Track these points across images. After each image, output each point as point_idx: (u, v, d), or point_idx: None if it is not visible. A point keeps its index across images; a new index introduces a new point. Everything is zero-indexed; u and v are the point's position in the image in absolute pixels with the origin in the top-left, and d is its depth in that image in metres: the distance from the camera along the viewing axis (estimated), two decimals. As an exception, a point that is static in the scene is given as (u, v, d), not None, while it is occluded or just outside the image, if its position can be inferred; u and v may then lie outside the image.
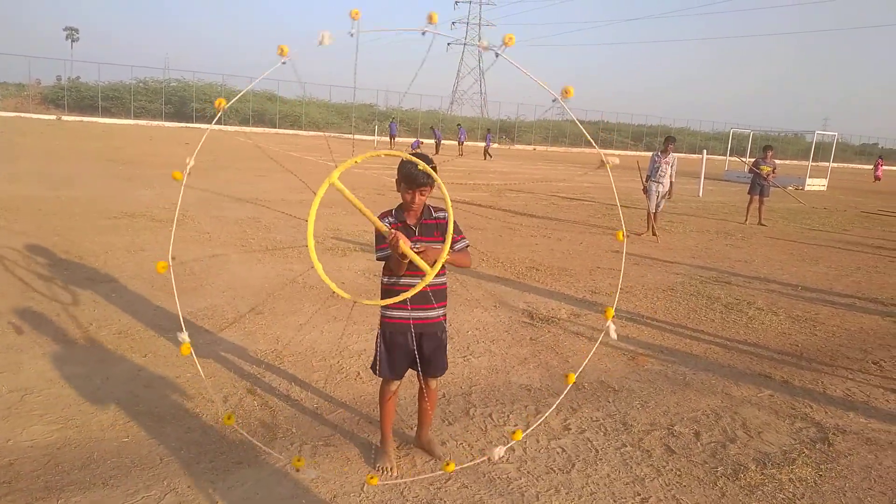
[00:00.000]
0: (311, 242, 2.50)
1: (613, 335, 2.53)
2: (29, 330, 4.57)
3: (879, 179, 31.39)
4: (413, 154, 2.84)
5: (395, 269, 2.86)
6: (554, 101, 2.33)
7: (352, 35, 2.30)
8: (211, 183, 13.84)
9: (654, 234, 10.64)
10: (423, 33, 2.38)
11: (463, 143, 36.74)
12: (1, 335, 4.44)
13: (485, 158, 33.55)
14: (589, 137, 2.75)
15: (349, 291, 2.51)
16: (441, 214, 2.94)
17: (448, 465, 2.55)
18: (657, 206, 10.71)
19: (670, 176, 10.69)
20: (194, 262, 6.79)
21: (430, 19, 2.31)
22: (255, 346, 4.58)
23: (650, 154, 11.48)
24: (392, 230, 2.63)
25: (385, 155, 2.82)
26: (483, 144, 36.40)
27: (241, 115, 49.98)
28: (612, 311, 2.54)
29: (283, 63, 2.39)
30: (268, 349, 4.53)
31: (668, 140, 10.87)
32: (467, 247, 3.00)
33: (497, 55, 2.32)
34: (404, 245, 2.57)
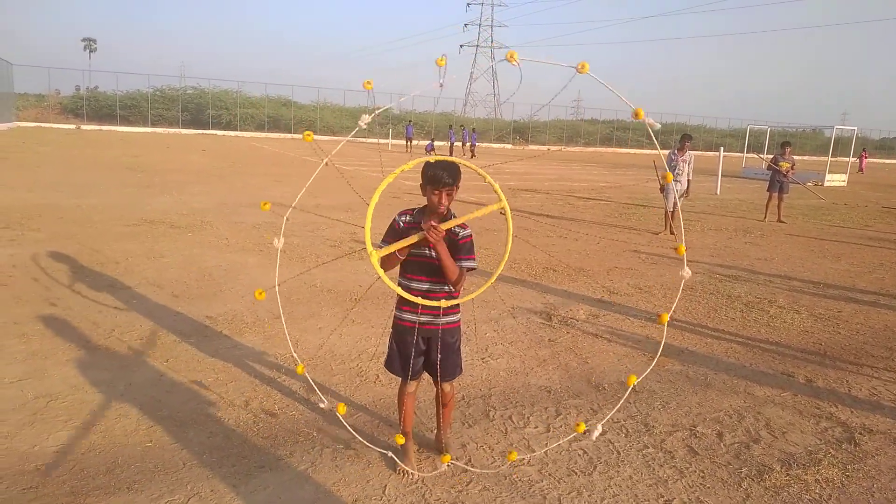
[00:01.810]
0: (375, 260, 2.60)
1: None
2: (52, 336, 4.63)
3: (863, 172, 31.07)
4: (437, 160, 2.84)
5: (385, 262, 2.87)
6: (637, 119, 2.35)
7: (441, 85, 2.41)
8: (229, 189, 13.96)
9: (671, 232, 10.56)
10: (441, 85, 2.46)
11: (475, 145, 36.69)
12: (25, 342, 4.50)
13: (464, 156, 33.38)
14: (655, 141, 2.76)
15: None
16: (464, 232, 2.89)
17: (445, 456, 2.66)
18: (675, 204, 10.62)
19: (687, 174, 10.61)
20: (214, 267, 6.85)
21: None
22: (275, 350, 4.61)
23: (666, 152, 11.37)
24: (424, 226, 2.71)
25: (424, 163, 2.84)
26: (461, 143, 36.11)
27: (256, 121, 50.40)
28: (666, 316, 2.59)
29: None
30: (287, 353, 4.55)
31: (684, 138, 10.78)
32: (472, 269, 2.93)
33: (576, 71, 2.32)
34: (440, 229, 2.67)
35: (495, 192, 2.73)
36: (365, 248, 2.69)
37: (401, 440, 2.73)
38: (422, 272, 2.91)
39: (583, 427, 2.62)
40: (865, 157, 31.11)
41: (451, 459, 3.07)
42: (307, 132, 2.71)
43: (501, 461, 3.23)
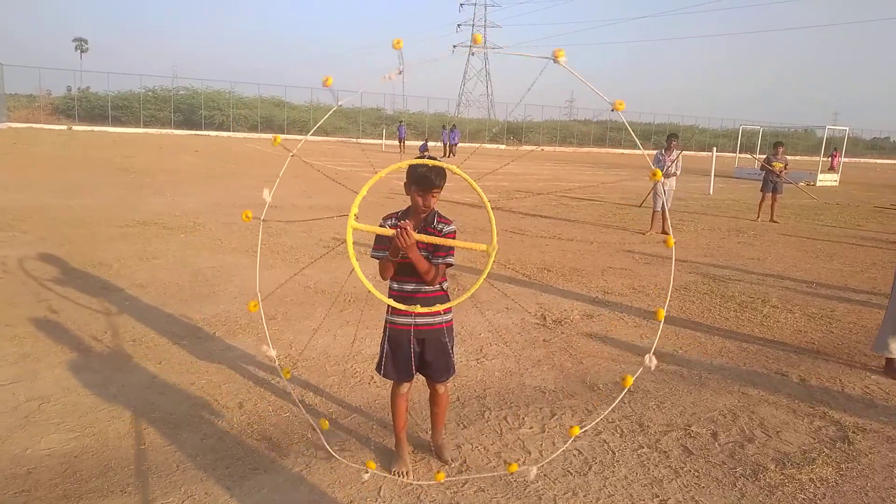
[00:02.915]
0: (357, 267, 2.56)
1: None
2: (44, 338, 4.60)
3: (835, 170, 31.40)
4: (420, 158, 2.84)
5: (382, 270, 2.87)
6: (612, 110, 2.33)
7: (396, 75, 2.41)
8: (222, 190, 13.92)
9: (664, 231, 10.59)
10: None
11: (455, 144, 36.14)
12: (17, 344, 4.47)
13: (445, 155, 33.11)
14: (638, 141, 2.74)
15: (359, 295, 2.54)
16: (448, 228, 2.87)
17: (439, 473, 2.67)
18: (662, 204, 10.62)
19: (674, 172, 10.63)
20: (207, 268, 6.82)
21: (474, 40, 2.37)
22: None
23: (654, 152, 11.39)
24: (399, 225, 2.63)
25: (409, 164, 2.78)
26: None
27: (249, 122, 50.25)
28: (662, 312, 2.60)
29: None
30: (281, 354, 4.53)
31: (670, 137, 10.81)
32: (447, 265, 2.89)
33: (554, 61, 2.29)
34: (411, 236, 2.58)
35: (489, 219, 2.61)
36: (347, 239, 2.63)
37: (372, 466, 2.68)
38: (407, 273, 2.89)
39: (577, 430, 2.60)
40: (836, 157, 31.49)
41: (447, 475, 3.02)
42: (276, 136, 2.70)
43: (497, 463, 3.23)
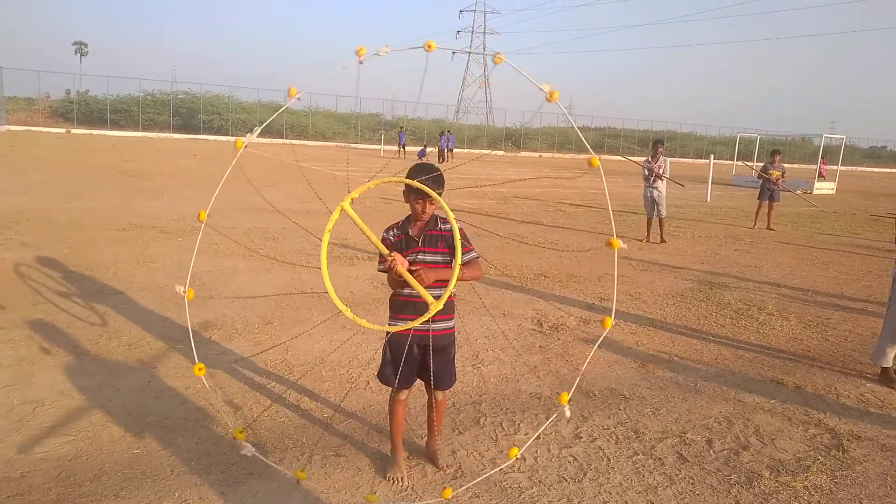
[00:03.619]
0: (325, 267, 2.59)
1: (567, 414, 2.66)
2: (40, 342, 4.60)
3: (824, 178, 31.69)
4: (420, 164, 2.87)
5: (390, 283, 2.93)
6: (552, 101, 2.37)
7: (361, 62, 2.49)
8: (220, 194, 13.90)
9: (661, 240, 10.60)
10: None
11: (451, 150, 36.01)
12: (13, 347, 4.46)
13: (441, 160, 33.00)
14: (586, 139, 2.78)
15: (358, 301, 2.56)
16: (448, 226, 2.91)
17: (445, 490, 2.69)
18: (657, 211, 10.63)
19: (663, 175, 10.61)
20: (204, 272, 6.82)
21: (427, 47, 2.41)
22: (265, 356, 4.59)
23: (641, 159, 11.30)
24: (392, 256, 2.69)
25: (396, 182, 2.85)
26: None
27: (248, 126, 50.22)
28: (610, 321, 2.61)
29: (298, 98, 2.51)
30: (277, 359, 4.53)
31: (655, 144, 10.81)
32: (477, 258, 2.95)
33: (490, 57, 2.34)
34: (402, 269, 2.65)
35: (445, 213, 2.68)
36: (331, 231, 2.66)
37: (301, 475, 2.74)
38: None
39: (565, 398, 2.62)
40: (824, 165, 31.85)
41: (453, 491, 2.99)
42: (238, 139, 2.74)
43: (493, 467, 3.23)
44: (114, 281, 6.30)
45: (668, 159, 10.99)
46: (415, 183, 2.71)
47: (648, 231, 10.85)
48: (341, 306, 2.56)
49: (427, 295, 2.60)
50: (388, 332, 3.02)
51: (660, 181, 10.59)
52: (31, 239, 7.99)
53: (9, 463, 3.03)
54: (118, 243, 8.07)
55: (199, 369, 2.76)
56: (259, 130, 2.88)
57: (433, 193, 2.68)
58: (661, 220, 10.70)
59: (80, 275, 6.48)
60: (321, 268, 2.59)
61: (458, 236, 2.58)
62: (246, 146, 2.82)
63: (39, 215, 9.67)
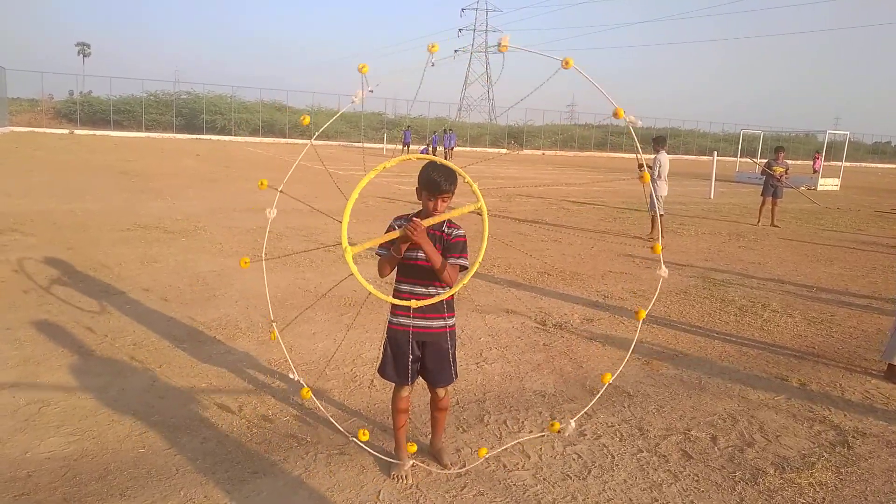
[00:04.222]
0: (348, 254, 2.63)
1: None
2: (45, 342, 4.61)
3: (817, 173, 31.67)
4: (433, 162, 2.86)
5: (381, 267, 2.90)
6: (618, 118, 2.41)
7: (371, 91, 2.62)
8: (223, 193, 13.94)
9: (651, 236, 10.62)
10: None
11: (452, 148, 35.86)
12: (18, 347, 4.48)
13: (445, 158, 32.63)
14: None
15: (360, 298, 2.58)
16: (457, 232, 2.90)
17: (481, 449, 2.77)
18: (658, 209, 10.61)
19: (661, 177, 10.58)
20: (208, 272, 6.83)
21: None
22: (269, 355, 4.60)
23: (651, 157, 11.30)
24: (412, 221, 2.71)
25: (416, 158, 2.88)
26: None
27: (251, 126, 50.32)
28: (643, 313, 2.68)
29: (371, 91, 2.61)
30: (281, 358, 4.54)
31: (655, 141, 10.78)
32: (462, 268, 2.90)
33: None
34: (419, 224, 2.68)
35: (473, 192, 2.73)
36: (342, 245, 2.72)
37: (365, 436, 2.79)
38: (409, 275, 2.92)
39: (557, 426, 2.65)
40: (819, 159, 31.87)
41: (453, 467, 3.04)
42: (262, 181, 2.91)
43: (496, 468, 3.23)
44: (118, 281, 6.32)
45: (668, 156, 10.91)
46: (441, 160, 2.82)
47: (653, 227, 10.85)
48: (354, 269, 2.67)
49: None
50: (387, 329, 3.03)
51: (659, 180, 10.56)
52: (36, 240, 8.02)
53: (15, 462, 3.04)
54: (122, 244, 8.09)
55: (307, 392, 2.98)
56: (316, 134, 2.98)
57: (467, 177, 2.74)
58: (660, 216, 10.68)
59: (85, 275, 6.50)
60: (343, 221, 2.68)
61: (486, 216, 2.68)
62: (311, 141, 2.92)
63: (43, 216, 9.70)
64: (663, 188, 10.60)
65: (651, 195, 10.52)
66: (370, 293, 2.72)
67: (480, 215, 2.71)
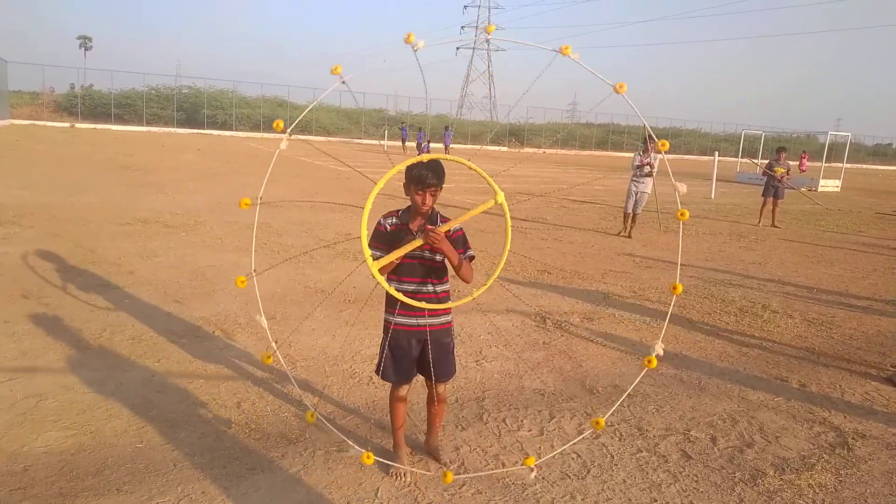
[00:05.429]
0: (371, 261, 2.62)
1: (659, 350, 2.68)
2: (43, 335, 4.60)
3: (804, 171, 31.78)
4: (419, 160, 2.85)
5: (383, 270, 2.86)
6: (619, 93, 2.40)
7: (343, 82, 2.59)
8: (223, 188, 13.92)
9: (628, 235, 10.60)
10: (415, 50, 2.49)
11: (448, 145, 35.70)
12: (16, 341, 4.46)
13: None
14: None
15: (360, 295, 2.56)
16: (453, 228, 2.88)
17: (446, 475, 2.67)
18: (634, 207, 10.62)
19: (652, 177, 10.58)
20: (207, 267, 6.82)
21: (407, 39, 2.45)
22: (268, 351, 4.58)
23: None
24: (426, 229, 2.71)
25: (407, 165, 2.82)
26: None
27: (252, 121, 50.25)
28: (680, 287, 2.73)
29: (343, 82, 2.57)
30: (280, 354, 4.52)
31: (648, 140, 10.76)
32: (472, 258, 2.94)
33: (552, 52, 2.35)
34: (439, 232, 2.68)
35: (489, 185, 2.70)
36: (365, 259, 2.71)
37: (370, 461, 2.77)
38: (410, 274, 2.90)
39: (602, 423, 2.67)
40: (805, 158, 31.99)
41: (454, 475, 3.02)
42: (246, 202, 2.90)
43: (496, 466, 3.22)
44: (117, 275, 6.30)
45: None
46: (447, 157, 2.83)
47: (625, 224, 10.85)
48: (367, 253, 2.68)
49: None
50: (386, 328, 3.00)
51: (648, 178, 10.56)
52: (35, 233, 8.00)
53: (12, 456, 3.03)
54: (122, 237, 8.07)
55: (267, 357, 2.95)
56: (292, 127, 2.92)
57: (473, 166, 2.72)
58: (635, 216, 10.71)
59: (84, 269, 6.48)
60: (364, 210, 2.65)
61: (508, 214, 2.67)
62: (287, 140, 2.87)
63: (43, 209, 9.68)
64: (648, 185, 10.63)
65: (637, 194, 10.54)
66: (373, 290, 2.71)
67: (501, 208, 2.70)
